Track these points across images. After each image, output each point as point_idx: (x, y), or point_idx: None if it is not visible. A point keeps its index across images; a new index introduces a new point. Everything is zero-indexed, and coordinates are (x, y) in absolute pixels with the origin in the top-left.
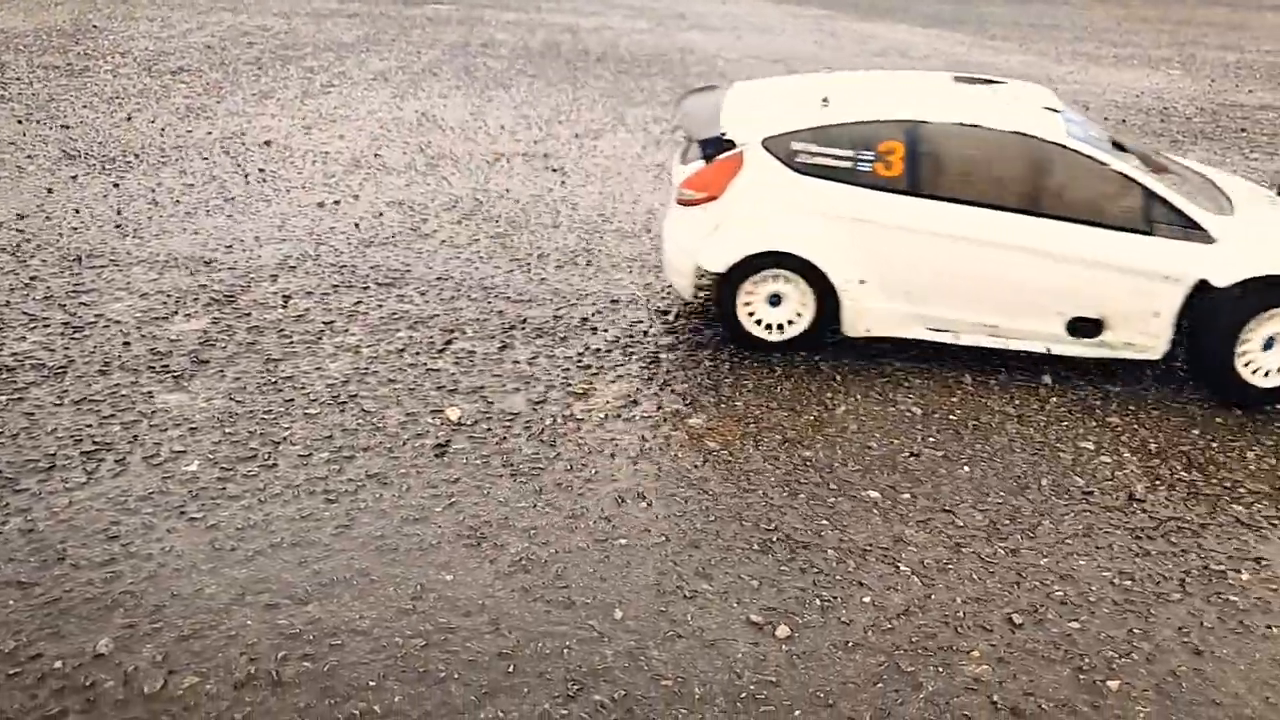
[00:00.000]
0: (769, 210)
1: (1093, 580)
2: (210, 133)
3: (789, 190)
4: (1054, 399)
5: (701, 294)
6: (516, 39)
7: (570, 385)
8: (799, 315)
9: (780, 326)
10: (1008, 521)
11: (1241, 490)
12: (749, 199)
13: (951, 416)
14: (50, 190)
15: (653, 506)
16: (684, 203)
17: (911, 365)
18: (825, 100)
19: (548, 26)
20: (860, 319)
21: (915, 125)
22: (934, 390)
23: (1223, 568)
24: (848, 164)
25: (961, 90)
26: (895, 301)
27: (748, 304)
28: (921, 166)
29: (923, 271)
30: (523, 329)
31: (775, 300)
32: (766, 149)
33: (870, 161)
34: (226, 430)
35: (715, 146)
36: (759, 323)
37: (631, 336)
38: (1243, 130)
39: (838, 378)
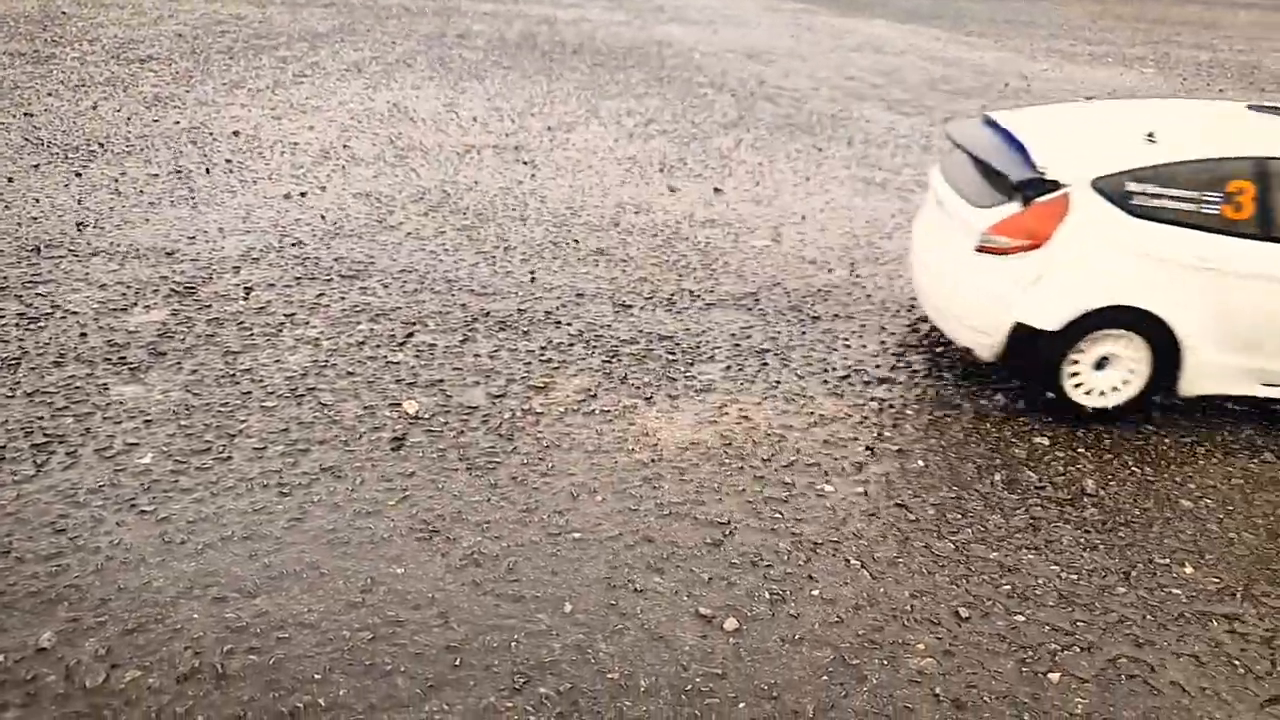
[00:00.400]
0: (1105, 259)
1: (1040, 574)
2: (178, 122)
3: (1126, 236)
4: (1011, 394)
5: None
6: (493, 30)
7: (531, 379)
8: (1128, 379)
9: (1103, 392)
10: (959, 516)
11: (1190, 485)
12: (1079, 247)
13: (908, 411)
14: (10, 179)
15: (606, 501)
16: (996, 250)
17: (868, 360)
18: (1151, 135)
19: (525, 18)
20: (1199, 377)
21: (1266, 162)
22: (889, 385)
23: (1167, 561)
24: (1192, 206)
25: None
26: (1234, 356)
27: (1074, 368)
28: (1275, 207)
29: (1272, 322)
30: (485, 322)
31: (1102, 362)
32: (1097, 190)
33: (1218, 203)
34: (182, 423)
35: (1036, 188)
36: (1077, 387)
37: (595, 330)
38: None
39: (797, 376)
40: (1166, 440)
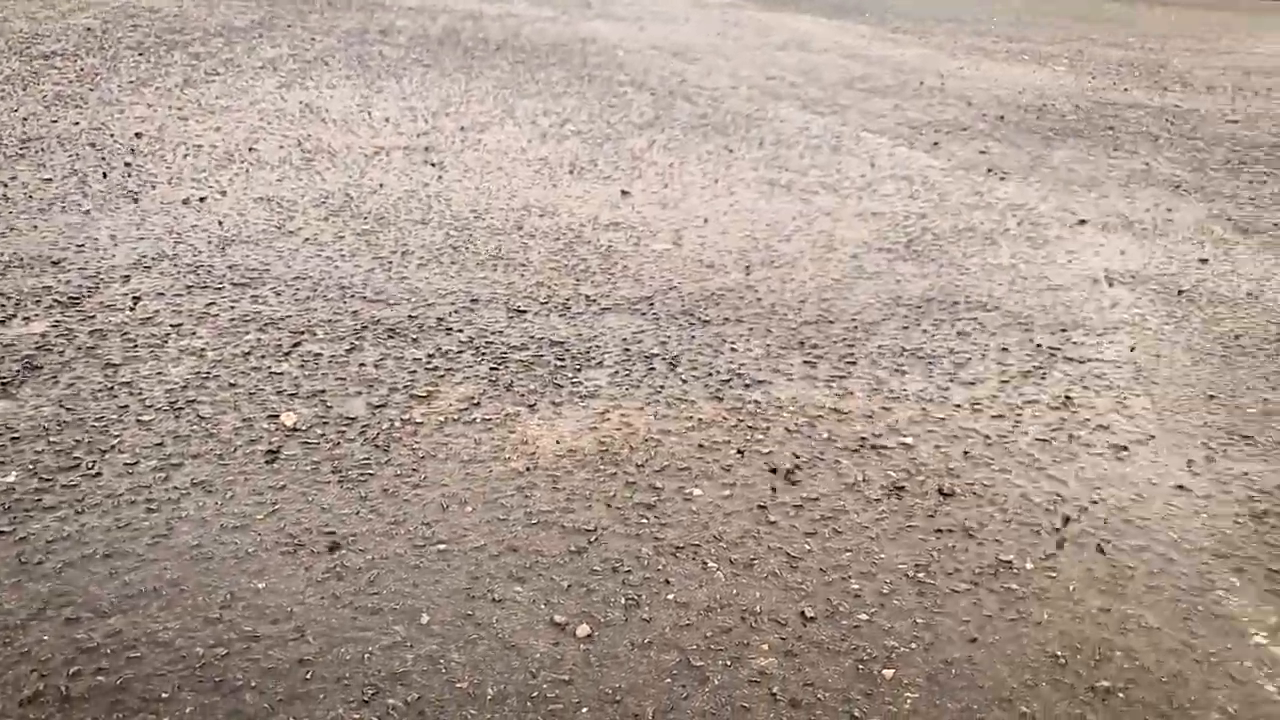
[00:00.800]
0: None
1: (891, 575)
2: (78, 123)
3: None
4: (881, 394)
5: None
6: (416, 26)
7: (414, 388)
8: None
9: None
10: (818, 516)
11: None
12: None
13: (782, 413)
14: None
15: (476, 511)
16: None
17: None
18: None
19: (451, 13)
20: None
21: None
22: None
23: (1011, 558)
24: None
25: None
26: None
27: None
28: None
29: None
30: (374, 330)
31: None
32: None
33: None
34: (52, 439)
35: None
36: None
37: (486, 337)
38: (1110, 128)
39: (681, 381)
40: (1028, 433)
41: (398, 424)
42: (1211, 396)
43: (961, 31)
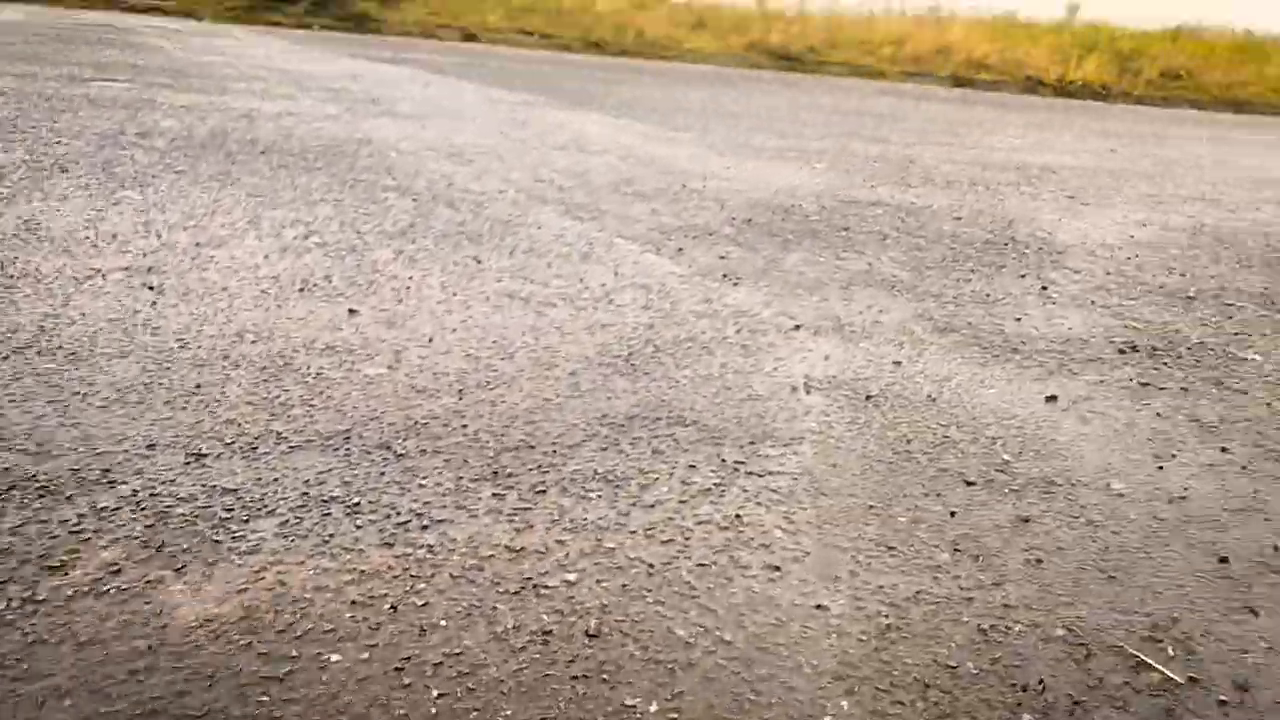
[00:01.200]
0: None
1: None
2: None
3: None
4: (560, 525)
5: None
6: (182, 126)
7: (50, 557)
8: None
9: None
10: (459, 675)
11: None
12: None
13: (454, 556)
14: None
15: (77, 705)
16: None
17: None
18: None
19: (224, 111)
20: None
21: None
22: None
23: (636, 702)
24: None
25: None
26: None
27: None
28: None
29: None
30: (25, 489)
31: None
32: None
33: None
34: None
35: None
36: None
37: (152, 489)
38: (846, 228)
39: (356, 527)
40: (691, 559)
41: (16, 603)
42: (870, 507)
43: (739, 127)
